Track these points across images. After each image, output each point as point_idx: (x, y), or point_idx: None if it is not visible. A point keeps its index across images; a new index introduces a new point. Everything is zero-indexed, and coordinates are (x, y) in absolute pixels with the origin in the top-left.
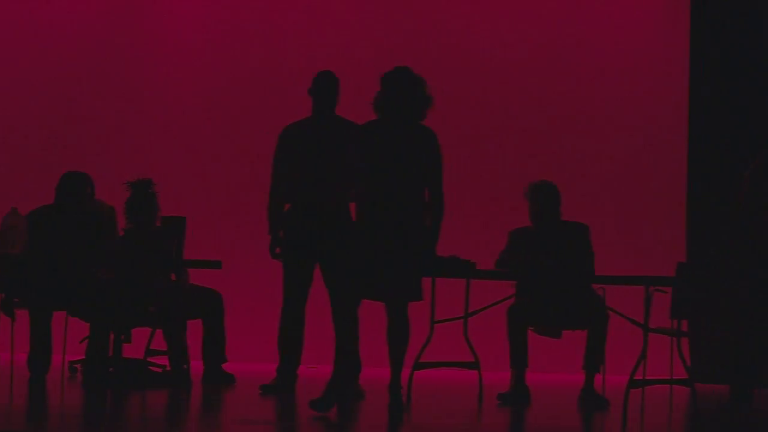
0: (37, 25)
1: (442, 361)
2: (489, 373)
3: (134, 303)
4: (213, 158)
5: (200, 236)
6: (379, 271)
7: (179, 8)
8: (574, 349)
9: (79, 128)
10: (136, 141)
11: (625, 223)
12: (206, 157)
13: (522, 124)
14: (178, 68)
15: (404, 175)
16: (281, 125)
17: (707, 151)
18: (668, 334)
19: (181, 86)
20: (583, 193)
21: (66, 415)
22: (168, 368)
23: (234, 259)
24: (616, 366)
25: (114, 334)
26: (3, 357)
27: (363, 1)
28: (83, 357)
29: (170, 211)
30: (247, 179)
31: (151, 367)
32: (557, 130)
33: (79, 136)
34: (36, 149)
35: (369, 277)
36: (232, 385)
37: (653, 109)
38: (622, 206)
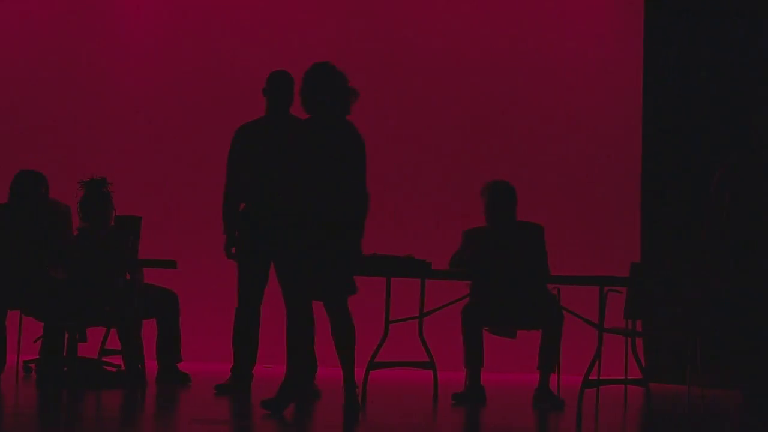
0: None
1: (397, 361)
2: (444, 372)
3: (89, 302)
4: (168, 157)
5: (155, 236)
6: (313, 270)
7: (134, 4)
8: (529, 348)
9: (34, 126)
10: (90, 140)
11: (579, 224)
12: (161, 157)
13: (479, 124)
14: (133, 66)
15: (329, 171)
16: (237, 124)
17: (661, 151)
18: (623, 334)
19: (136, 85)
20: (538, 193)
21: (20, 415)
22: (123, 368)
23: (189, 258)
24: (571, 366)
25: (68, 334)
26: None
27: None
28: (37, 356)
29: (125, 211)
30: (202, 179)
31: (105, 367)
32: (513, 130)
33: (33, 134)
34: None
35: (304, 276)
36: (187, 385)
37: (608, 110)
38: (576, 206)
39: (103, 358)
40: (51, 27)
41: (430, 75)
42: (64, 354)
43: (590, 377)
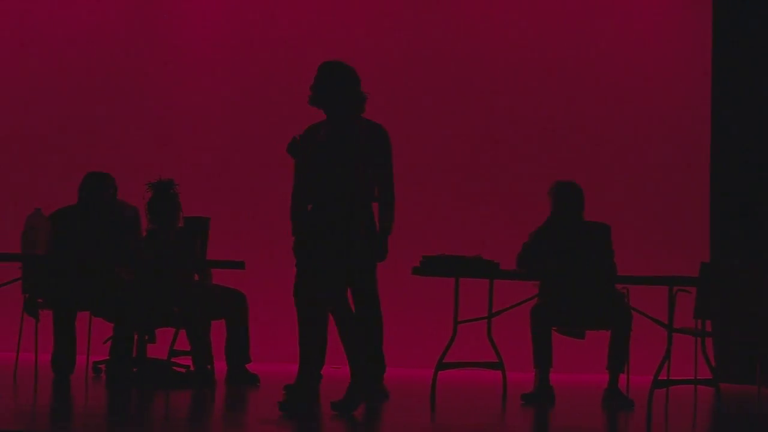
0: (58, 27)
1: (465, 362)
2: (513, 373)
3: (158, 303)
4: (237, 158)
5: (224, 236)
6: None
7: (201, 9)
8: (598, 349)
9: (102, 129)
10: (158, 142)
11: (649, 224)
12: (230, 158)
13: (547, 125)
14: (202, 68)
15: (340, 171)
16: (304, 125)
17: (730, 150)
18: (692, 334)
19: (204, 86)
20: (607, 193)
21: (90, 416)
22: (192, 368)
23: (257, 259)
24: (641, 366)
25: (138, 335)
26: (27, 357)
27: (382, 2)
28: (107, 357)
29: (194, 212)
30: (271, 180)
31: (174, 368)
32: (582, 130)
33: (101, 136)
34: (59, 150)
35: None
36: (256, 386)
37: (676, 109)
38: (645, 206)
39: (173, 359)
40: (118, 32)
41: (500, 75)
42: (134, 355)
43: (660, 378)
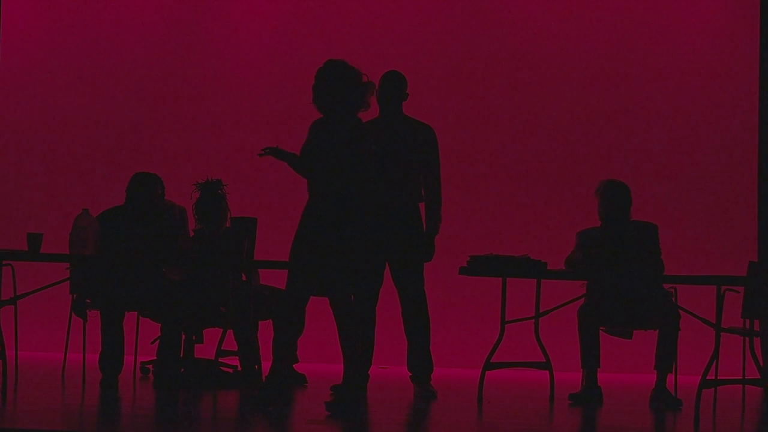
0: (105, 30)
1: (513, 362)
2: (560, 373)
3: (205, 303)
4: None
5: (271, 236)
6: (317, 266)
7: (249, 11)
8: (646, 348)
9: (149, 129)
10: (206, 142)
11: (697, 223)
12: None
13: (595, 125)
14: (247, 68)
15: (339, 169)
16: None
17: None
18: (740, 333)
19: (254, 87)
20: (655, 193)
21: (137, 416)
22: (239, 368)
23: None
24: (689, 366)
25: (185, 335)
26: (75, 358)
27: (432, 4)
28: (155, 358)
29: (241, 212)
30: None
31: (222, 368)
32: (630, 130)
33: (149, 136)
34: (107, 150)
35: (309, 271)
36: (303, 386)
37: (725, 109)
38: (694, 206)
39: (220, 359)
40: (167, 34)
41: (547, 76)
42: (181, 355)
43: (708, 377)
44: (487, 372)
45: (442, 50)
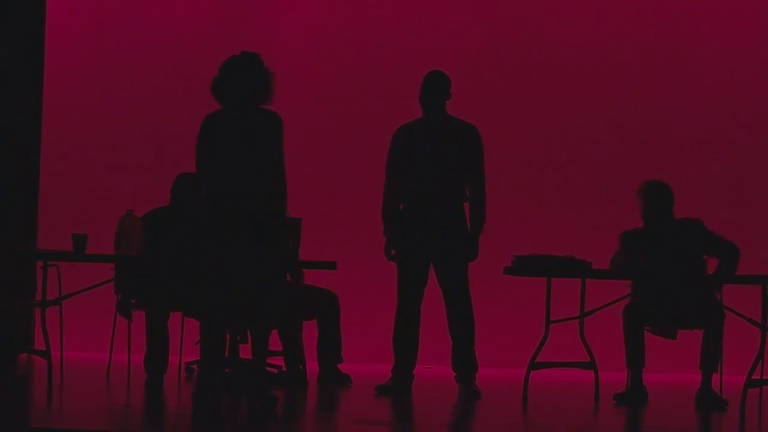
0: (151, 29)
1: (558, 361)
2: (605, 373)
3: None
4: (328, 159)
5: (316, 237)
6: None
7: (290, 12)
8: (691, 348)
9: (194, 130)
10: None
11: (742, 222)
12: (321, 158)
13: (639, 124)
14: (290, 71)
15: (245, 162)
16: (395, 125)
17: None
18: None
19: (293, 88)
20: (699, 192)
21: (182, 416)
22: (284, 369)
23: (349, 259)
24: (734, 365)
25: (230, 335)
26: (120, 358)
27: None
28: (199, 358)
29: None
30: (363, 180)
31: (267, 368)
32: (673, 129)
33: (194, 137)
34: (151, 151)
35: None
36: (348, 386)
37: (764, 103)
38: (739, 204)
39: (266, 359)
40: (210, 33)
41: (593, 76)
42: (226, 355)
43: (753, 377)
44: (532, 372)
45: (489, 50)
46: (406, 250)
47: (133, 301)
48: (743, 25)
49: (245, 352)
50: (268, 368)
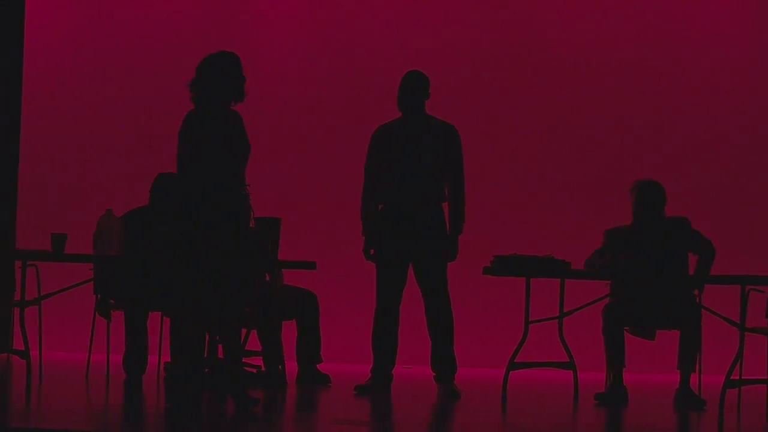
0: (129, 29)
1: (536, 362)
2: (584, 373)
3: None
4: (307, 159)
5: (295, 237)
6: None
7: (274, 12)
8: (670, 348)
9: (174, 130)
10: None
11: (720, 223)
12: (300, 158)
13: (619, 124)
14: (270, 70)
15: (222, 161)
16: (373, 126)
17: None
18: (765, 333)
19: (273, 88)
20: (678, 192)
21: (161, 416)
22: (263, 369)
23: (328, 259)
24: (713, 366)
25: (209, 335)
26: (99, 358)
27: (454, 3)
28: (175, 357)
29: (265, 213)
30: (341, 180)
31: (246, 368)
32: (655, 129)
33: (173, 137)
34: (131, 151)
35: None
36: (327, 386)
37: (750, 106)
38: (718, 205)
39: (244, 360)
40: (190, 33)
41: (572, 74)
42: (205, 355)
43: (732, 377)
44: (511, 372)
45: (465, 50)
46: (385, 250)
47: (112, 301)
48: (737, 27)
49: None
50: (247, 368)
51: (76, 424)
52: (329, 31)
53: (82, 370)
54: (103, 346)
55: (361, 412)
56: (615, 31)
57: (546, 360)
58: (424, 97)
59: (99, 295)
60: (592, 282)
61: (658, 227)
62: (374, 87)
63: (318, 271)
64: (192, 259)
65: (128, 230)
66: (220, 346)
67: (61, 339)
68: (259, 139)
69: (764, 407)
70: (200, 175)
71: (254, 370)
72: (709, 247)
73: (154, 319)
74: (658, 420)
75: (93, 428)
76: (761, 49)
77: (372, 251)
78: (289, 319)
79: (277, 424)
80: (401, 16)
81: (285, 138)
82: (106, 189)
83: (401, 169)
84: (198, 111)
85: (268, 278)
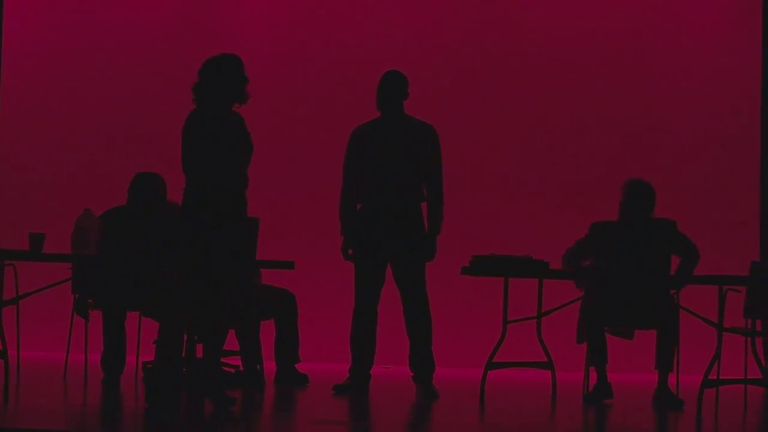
0: (107, 28)
1: (515, 361)
2: (562, 372)
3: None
4: (286, 159)
5: (273, 237)
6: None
7: (250, 12)
8: (649, 348)
9: (152, 129)
10: None
11: (698, 223)
12: (279, 158)
13: (595, 126)
14: (249, 68)
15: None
16: (353, 125)
17: None
18: (742, 333)
19: (254, 88)
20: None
21: (139, 416)
22: (241, 368)
23: (307, 259)
24: (691, 366)
25: (187, 335)
26: (77, 358)
27: (431, 3)
28: (160, 357)
29: None
30: (320, 180)
31: (224, 368)
32: (631, 130)
33: (151, 136)
34: (109, 150)
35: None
36: (305, 386)
37: (726, 108)
38: (695, 206)
39: (222, 359)
40: (170, 33)
41: (550, 74)
42: (183, 355)
43: (710, 377)
44: (489, 372)
45: (444, 49)
46: (364, 249)
47: (90, 300)
48: (705, 33)
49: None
50: (225, 368)
51: (54, 424)
52: (308, 31)
53: (60, 370)
54: (81, 346)
55: (339, 412)
56: (596, 33)
57: (524, 360)
58: (402, 97)
59: (77, 295)
60: (570, 282)
61: (643, 227)
62: (354, 87)
63: (296, 270)
64: (193, 260)
65: (106, 230)
66: (199, 345)
67: (39, 339)
68: None
69: (742, 407)
70: (207, 175)
71: (232, 370)
72: (694, 251)
73: (132, 319)
74: (636, 420)
75: (71, 428)
76: (733, 54)
77: (350, 251)
78: (267, 318)
79: (255, 424)
80: (379, 17)
81: (264, 137)
82: (84, 188)
83: (380, 168)
84: (201, 111)
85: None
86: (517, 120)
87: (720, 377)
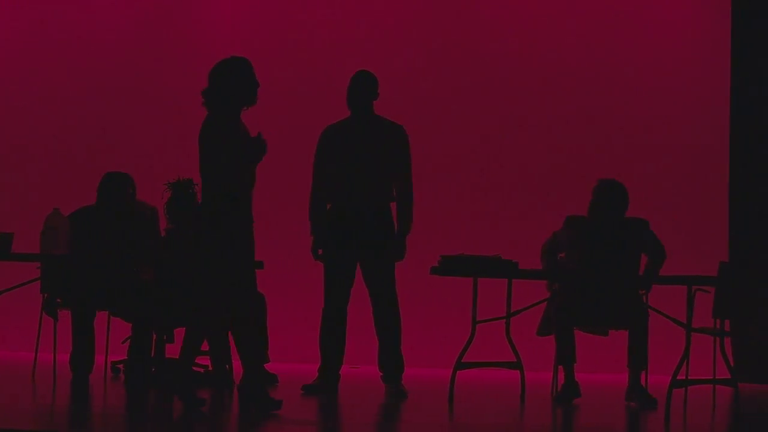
0: (74, 29)
1: (484, 361)
2: (531, 372)
3: (176, 303)
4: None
5: None
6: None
7: (216, 11)
8: (622, 347)
9: (121, 128)
10: (176, 141)
11: (667, 223)
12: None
13: (565, 125)
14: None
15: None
16: (323, 125)
17: (749, 149)
18: (711, 333)
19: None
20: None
21: (108, 416)
22: (210, 368)
23: (276, 259)
24: (660, 366)
25: (156, 335)
26: (46, 357)
27: (401, 3)
28: (125, 357)
29: None
30: (289, 180)
31: (193, 368)
32: (600, 130)
33: (120, 136)
34: (78, 150)
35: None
36: (274, 386)
37: (695, 108)
38: (664, 206)
39: None
40: (137, 32)
41: (520, 75)
42: (152, 355)
43: (678, 377)
44: (458, 372)
45: (413, 50)
46: (333, 249)
47: (59, 300)
48: (675, 34)
49: (171, 351)
50: (194, 368)
51: (22, 424)
52: (279, 29)
53: (28, 369)
54: (50, 346)
55: (308, 412)
56: (565, 33)
57: (493, 360)
58: (372, 97)
59: (46, 295)
60: (539, 282)
61: (615, 227)
62: (325, 86)
63: (265, 270)
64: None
65: (75, 229)
66: (171, 345)
67: (7, 338)
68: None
69: (710, 407)
70: (235, 180)
71: (201, 370)
72: (661, 250)
73: (101, 319)
74: (604, 419)
75: (39, 427)
76: (703, 55)
77: (320, 251)
78: None
79: (223, 424)
80: (350, 16)
81: None
82: (53, 188)
83: (349, 168)
84: (217, 117)
85: None
86: (487, 120)
87: (689, 377)
